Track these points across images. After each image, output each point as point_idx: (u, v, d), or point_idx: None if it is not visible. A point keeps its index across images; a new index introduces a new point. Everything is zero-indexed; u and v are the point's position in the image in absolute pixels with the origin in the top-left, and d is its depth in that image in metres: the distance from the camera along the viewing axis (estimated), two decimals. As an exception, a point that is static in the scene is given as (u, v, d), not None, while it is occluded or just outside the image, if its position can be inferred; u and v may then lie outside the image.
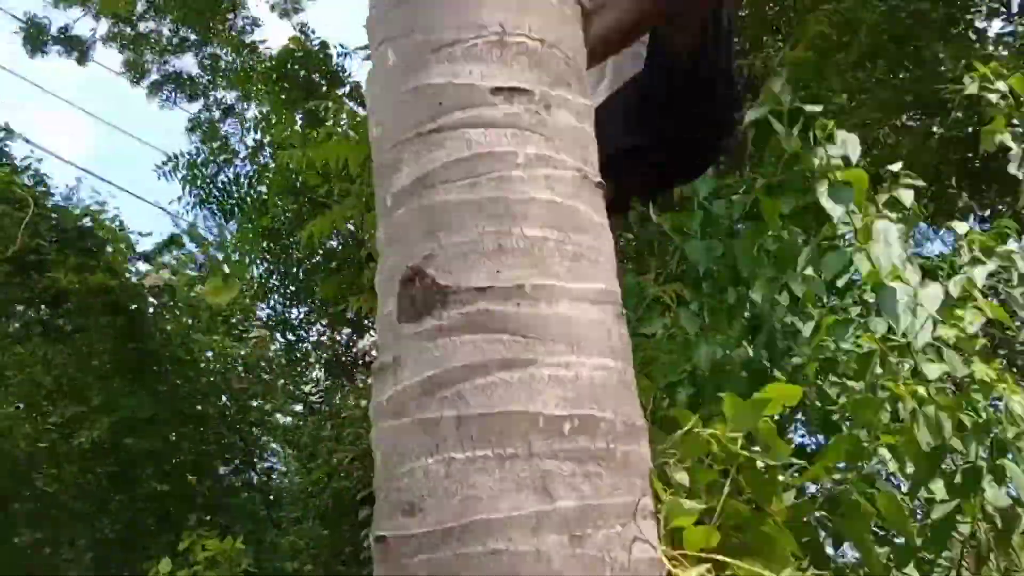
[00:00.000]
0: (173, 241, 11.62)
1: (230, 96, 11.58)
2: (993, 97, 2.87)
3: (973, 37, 5.18)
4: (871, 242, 1.79)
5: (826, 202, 1.74)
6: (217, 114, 11.46)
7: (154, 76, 11.56)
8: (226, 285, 5.61)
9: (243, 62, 9.82)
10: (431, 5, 1.36)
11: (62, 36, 10.81)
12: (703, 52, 1.90)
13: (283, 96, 7.53)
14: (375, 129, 1.39)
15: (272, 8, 12.35)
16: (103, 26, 11.09)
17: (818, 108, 1.89)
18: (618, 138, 1.86)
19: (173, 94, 11.61)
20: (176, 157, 7.23)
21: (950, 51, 4.74)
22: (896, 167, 2.00)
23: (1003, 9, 5.40)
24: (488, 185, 1.24)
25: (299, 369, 8.88)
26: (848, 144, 1.85)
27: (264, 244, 6.45)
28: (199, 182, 7.03)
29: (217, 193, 7.02)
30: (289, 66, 7.80)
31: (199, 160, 6.93)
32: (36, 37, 10.66)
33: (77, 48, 10.96)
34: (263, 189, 6.66)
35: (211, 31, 11.86)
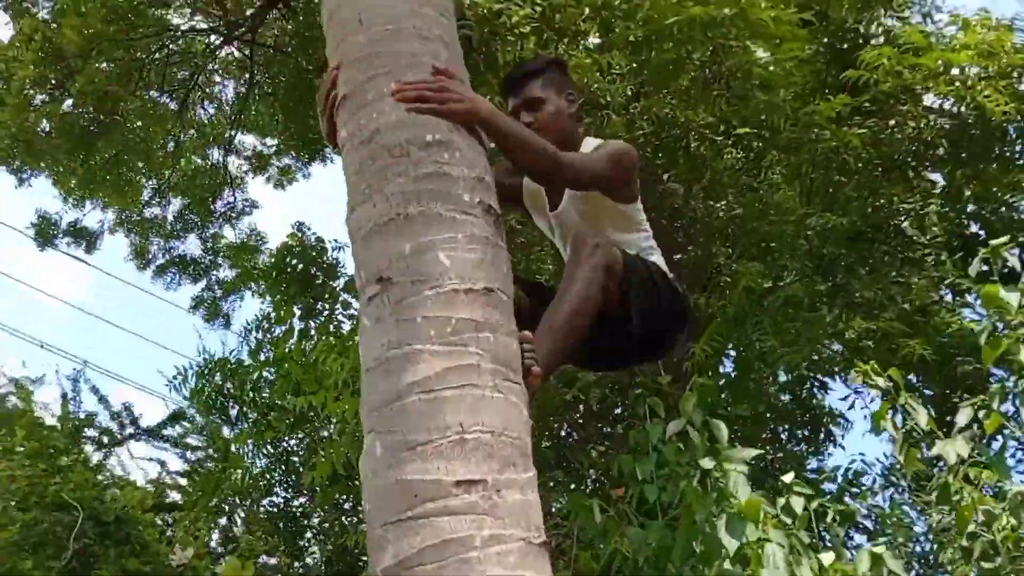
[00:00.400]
0: (176, 417, 11.99)
1: (231, 273, 12.23)
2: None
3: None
4: (760, 569, 2.18)
5: (724, 536, 2.15)
6: (219, 292, 12.04)
7: (159, 260, 12.20)
8: (244, 568, 6.00)
9: (242, 260, 10.47)
10: (407, 411, 1.80)
11: (72, 229, 11.50)
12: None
13: (282, 292, 8.05)
14: (368, 505, 1.80)
15: (267, 180, 13.25)
16: (110, 215, 11.81)
17: (721, 425, 2.35)
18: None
19: (177, 276, 12.23)
20: (185, 370, 7.74)
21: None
22: (788, 478, 2.43)
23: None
24: (453, 566, 1.64)
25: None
26: (739, 487, 2.29)
27: (267, 442, 6.85)
28: (205, 393, 7.50)
29: (223, 399, 7.46)
30: (287, 261, 8.38)
31: (205, 371, 7.41)
32: (46, 231, 11.34)
33: (86, 239, 11.63)
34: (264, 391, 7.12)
35: (212, 214, 12.64)
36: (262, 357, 7.32)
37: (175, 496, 11.49)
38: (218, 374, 7.44)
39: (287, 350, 6.56)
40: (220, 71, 13.16)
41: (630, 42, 5.08)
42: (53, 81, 9.92)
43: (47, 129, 10.15)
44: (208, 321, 11.90)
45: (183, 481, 11.54)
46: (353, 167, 2.27)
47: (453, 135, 2.25)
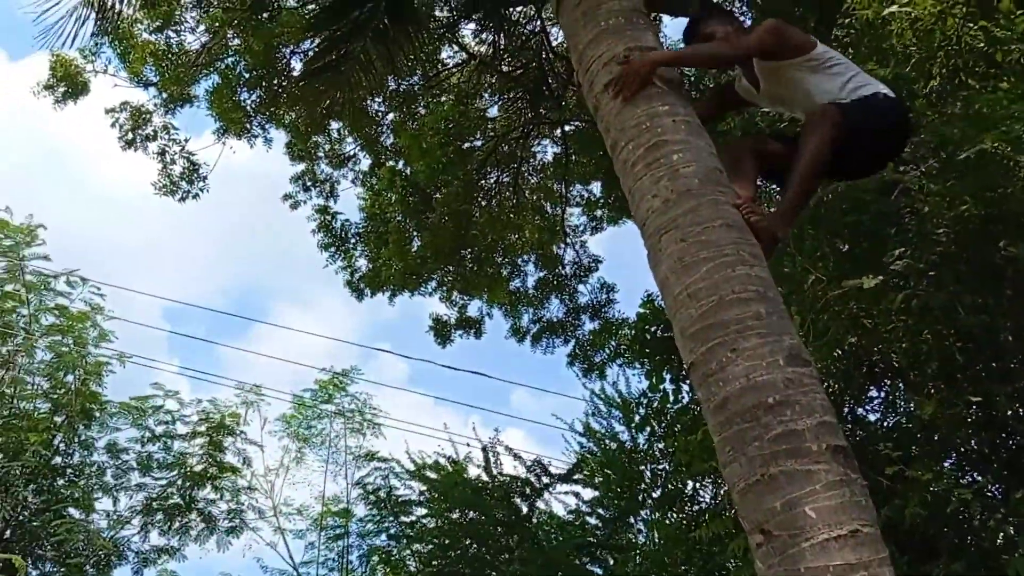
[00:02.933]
0: (581, 463, 13.30)
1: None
2: None
3: None
4: None
5: None
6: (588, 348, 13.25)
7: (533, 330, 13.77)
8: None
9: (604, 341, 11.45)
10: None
11: (461, 321, 13.40)
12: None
13: (650, 360, 8.79)
14: None
15: (594, 230, 14.28)
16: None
17: None
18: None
19: (552, 339, 13.70)
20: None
21: None
22: None
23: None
24: None
25: None
26: None
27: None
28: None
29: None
30: (645, 330, 9.10)
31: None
32: (442, 331, 13.33)
33: (473, 327, 13.47)
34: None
35: (563, 277, 13.96)
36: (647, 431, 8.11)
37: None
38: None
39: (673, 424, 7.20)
40: (537, 137, 14.42)
41: None
42: (417, 212, 11.73)
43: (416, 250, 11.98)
44: (585, 375, 13.17)
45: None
46: (714, 428, 2.82)
47: (790, 391, 2.71)
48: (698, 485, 7.64)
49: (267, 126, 10.80)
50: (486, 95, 13.76)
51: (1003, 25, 5.24)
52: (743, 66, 3.83)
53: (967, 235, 4.59)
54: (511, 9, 11.53)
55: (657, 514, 9.74)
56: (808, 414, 2.68)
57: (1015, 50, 5.28)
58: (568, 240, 14.38)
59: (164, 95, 10.60)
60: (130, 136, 10.40)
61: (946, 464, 4.94)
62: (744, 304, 2.87)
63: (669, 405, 8.22)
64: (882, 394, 6.01)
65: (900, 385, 5.55)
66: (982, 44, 5.25)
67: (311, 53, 7.41)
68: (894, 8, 5.31)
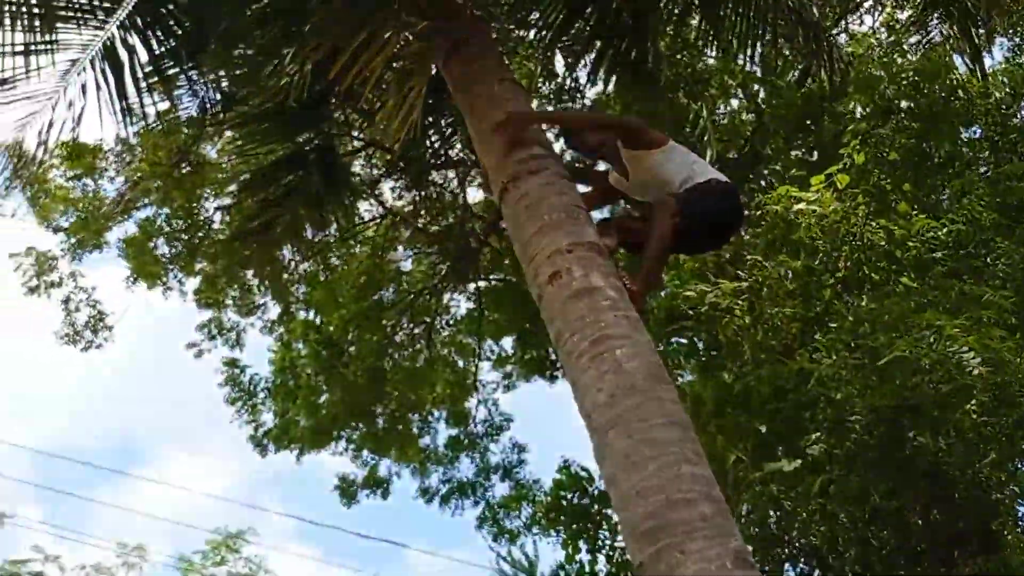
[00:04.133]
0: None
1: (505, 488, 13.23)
2: None
3: None
4: None
5: None
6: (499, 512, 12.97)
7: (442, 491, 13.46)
8: None
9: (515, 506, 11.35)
10: None
11: (369, 481, 12.98)
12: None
13: (565, 529, 8.67)
14: None
15: (507, 388, 14.34)
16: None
17: None
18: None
19: (460, 500, 13.39)
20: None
21: None
22: None
23: None
24: None
25: None
26: None
27: None
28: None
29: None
30: (561, 496, 9.04)
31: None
32: (348, 490, 12.88)
33: (381, 487, 13.07)
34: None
35: (473, 436, 13.84)
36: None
37: None
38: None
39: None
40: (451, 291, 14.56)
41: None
42: (330, 367, 11.58)
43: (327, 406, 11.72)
44: (495, 539, 12.82)
45: None
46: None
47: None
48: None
49: (181, 277, 10.62)
50: (400, 248, 14.01)
51: (901, 224, 5.74)
52: (613, 161, 4.41)
53: (879, 424, 4.82)
54: (432, 173, 11.95)
55: None
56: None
57: (912, 247, 5.78)
58: (479, 395, 14.36)
59: (73, 240, 10.36)
60: (34, 282, 10.04)
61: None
62: (691, 505, 2.91)
63: (586, 576, 8.06)
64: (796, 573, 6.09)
65: (814, 570, 5.64)
66: (883, 241, 5.71)
67: (238, 214, 7.44)
68: (802, 205, 5.74)
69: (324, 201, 6.72)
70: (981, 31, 8.09)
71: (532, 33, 6.69)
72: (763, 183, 7.60)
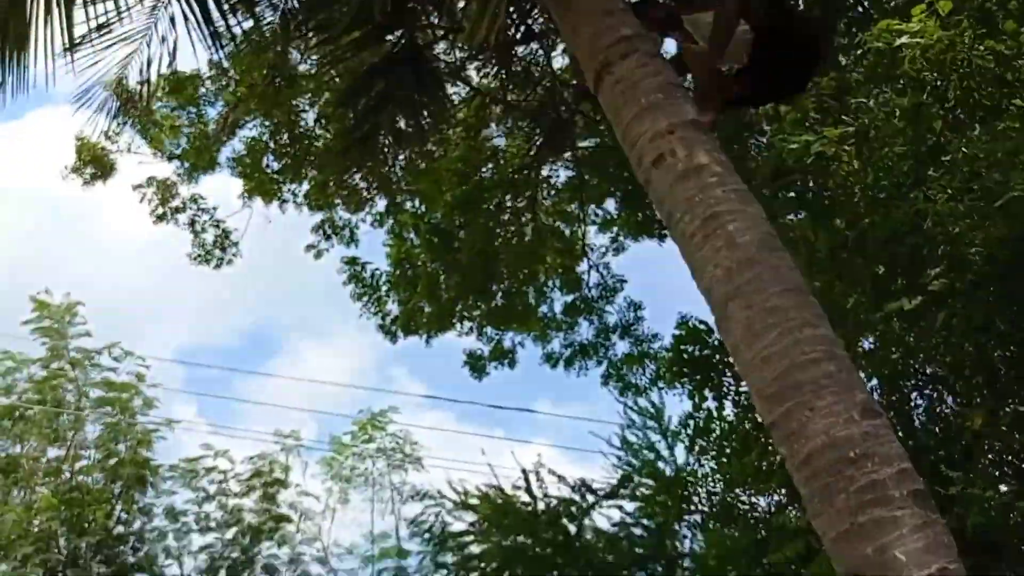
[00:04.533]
0: (625, 480, 13.51)
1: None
2: None
3: None
4: None
5: None
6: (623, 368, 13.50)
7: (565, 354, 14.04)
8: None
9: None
10: None
11: (496, 353, 13.65)
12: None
13: (689, 380, 9.02)
14: None
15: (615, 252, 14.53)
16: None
17: None
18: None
19: (584, 362, 13.98)
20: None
21: None
22: None
23: None
24: None
25: None
26: None
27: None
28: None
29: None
30: (683, 351, 9.34)
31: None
32: (477, 364, 13.56)
33: (507, 357, 13.73)
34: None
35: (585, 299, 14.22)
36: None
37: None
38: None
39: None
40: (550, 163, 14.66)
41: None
42: (443, 253, 12.01)
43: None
44: (622, 394, 13.38)
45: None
46: (799, 481, 3.07)
47: (868, 443, 2.96)
48: (753, 500, 7.85)
49: (293, 188, 11.12)
50: (493, 125, 14.08)
51: (1009, 44, 5.51)
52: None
53: (998, 254, 4.83)
54: (517, 48, 11.84)
55: (711, 524, 9.95)
56: (887, 463, 2.93)
57: (1021, 65, 5.55)
58: (590, 261, 14.62)
59: (187, 165, 10.94)
60: (160, 210, 10.74)
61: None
62: (815, 365, 3.12)
63: (714, 424, 8.45)
64: (925, 402, 6.25)
65: (946, 397, 5.78)
66: (992, 64, 5.51)
67: (338, 123, 7.69)
68: (905, 39, 5.57)
69: (418, 105, 6.90)
70: None
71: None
72: (858, 13, 7.28)
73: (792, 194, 5.78)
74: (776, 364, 3.15)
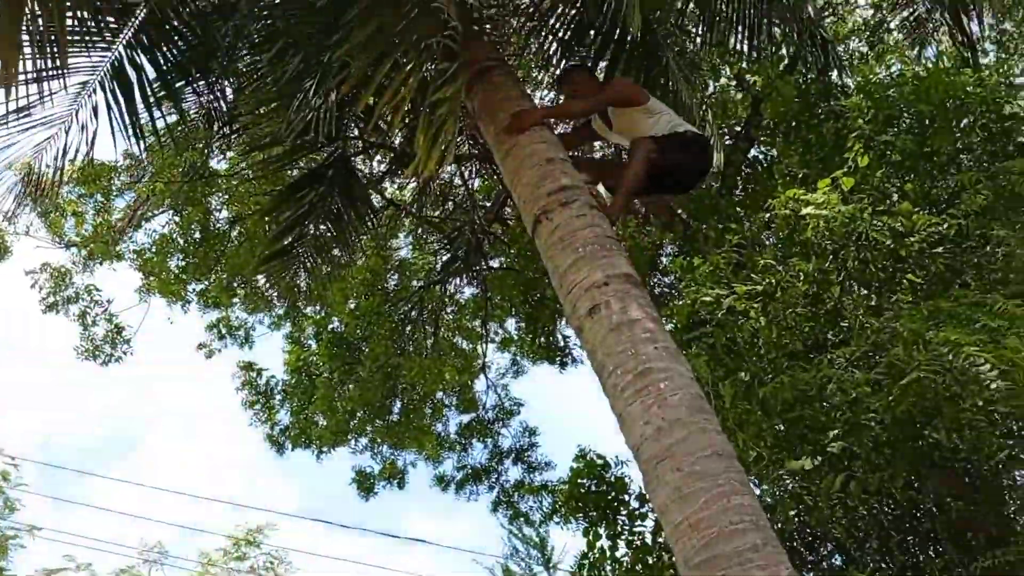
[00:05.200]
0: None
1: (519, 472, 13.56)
2: None
3: None
4: None
5: None
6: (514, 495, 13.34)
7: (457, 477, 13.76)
8: None
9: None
10: None
11: (387, 471, 13.28)
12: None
13: (585, 518, 8.98)
14: None
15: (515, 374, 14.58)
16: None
17: None
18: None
19: (475, 486, 13.73)
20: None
21: None
22: None
23: None
24: None
25: None
26: None
27: None
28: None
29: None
30: (578, 485, 9.32)
31: None
32: (365, 483, 13.16)
33: (397, 478, 13.37)
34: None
35: (484, 421, 14.14)
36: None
37: None
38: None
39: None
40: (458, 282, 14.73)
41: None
42: (343, 364, 11.80)
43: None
44: (511, 521, 13.18)
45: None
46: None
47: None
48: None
49: (196, 287, 10.80)
50: (401, 236, 14.19)
51: (904, 223, 5.99)
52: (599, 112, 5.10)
53: (895, 423, 5.08)
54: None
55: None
56: None
57: (914, 243, 6.03)
58: (489, 381, 14.62)
59: (85, 253, 10.51)
60: (51, 299, 10.20)
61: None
62: (741, 535, 3.17)
63: (608, 563, 8.37)
64: (814, 557, 6.40)
65: (835, 556, 5.94)
66: (887, 239, 5.96)
67: (256, 231, 7.57)
68: (810, 209, 5.97)
69: (345, 217, 6.91)
70: (973, 23, 8.32)
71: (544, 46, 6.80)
72: (770, 180, 7.80)
73: (702, 344, 5.99)
74: (704, 531, 3.19)
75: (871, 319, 5.24)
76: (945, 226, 6.05)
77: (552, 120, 5.19)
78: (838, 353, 5.24)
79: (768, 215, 6.56)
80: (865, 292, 6.03)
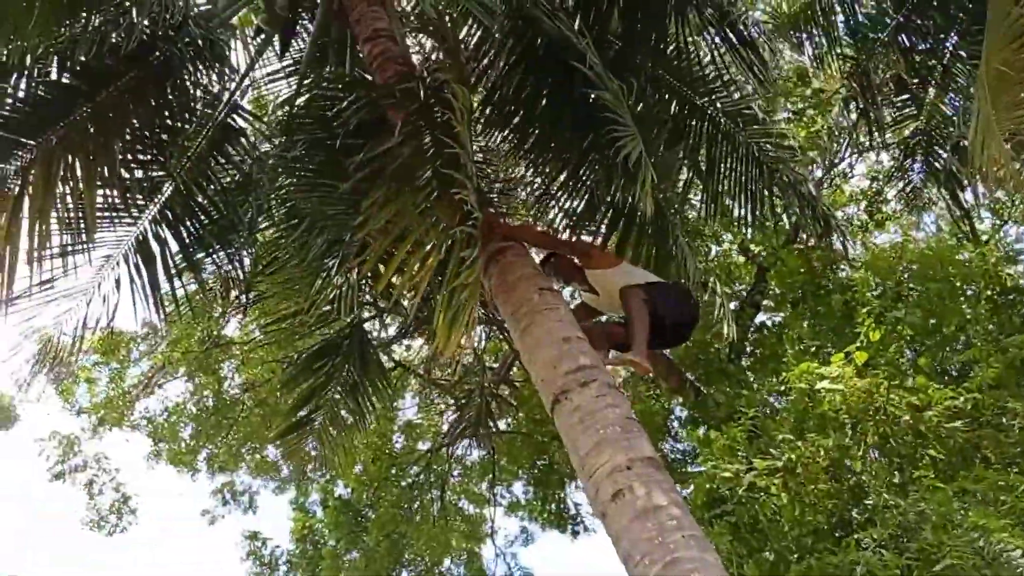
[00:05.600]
0: None
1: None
2: None
3: None
4: None
5: None
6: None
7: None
8: None
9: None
10: None
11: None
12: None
13: None
14: None
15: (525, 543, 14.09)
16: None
17: None
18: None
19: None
20: None
21: None
22: None
23: None
24: None
25: None
26: None
27: None
28: None
29: None
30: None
31: None
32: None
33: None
34: None
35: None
36: None
37: None
38: None
39: None
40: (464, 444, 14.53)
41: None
42: (351, 534, 11.49)
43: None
44: None
45: None
46: None
47: None
48: None
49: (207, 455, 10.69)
50: (408, 397, 14.12)
51: (920, 397, 6.00)
52: (581, 284, 5.11)
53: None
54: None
55: None
56: None
57: (931, 417, 6.02)
58: (497, 549, 14.16)
59: (95, 420, 10.47)
60: (58, 468, 10.08)
61: None
62: None
63: None
64: None
65: None
66: (905, 415, 5.94)
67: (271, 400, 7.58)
68: (826, 383, 6.00)
69: (361, 387, 6.93)
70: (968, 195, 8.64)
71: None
72: (779, 346, 7.88)
73: (724, 523, 5.87)
74: None
75: (897, 499, 5.15)
76: (961, 400, 6.07)
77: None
78: (865, 534, 5.12)
79: (783, 386, 6.59)
80: (887, 467, 5.96)
